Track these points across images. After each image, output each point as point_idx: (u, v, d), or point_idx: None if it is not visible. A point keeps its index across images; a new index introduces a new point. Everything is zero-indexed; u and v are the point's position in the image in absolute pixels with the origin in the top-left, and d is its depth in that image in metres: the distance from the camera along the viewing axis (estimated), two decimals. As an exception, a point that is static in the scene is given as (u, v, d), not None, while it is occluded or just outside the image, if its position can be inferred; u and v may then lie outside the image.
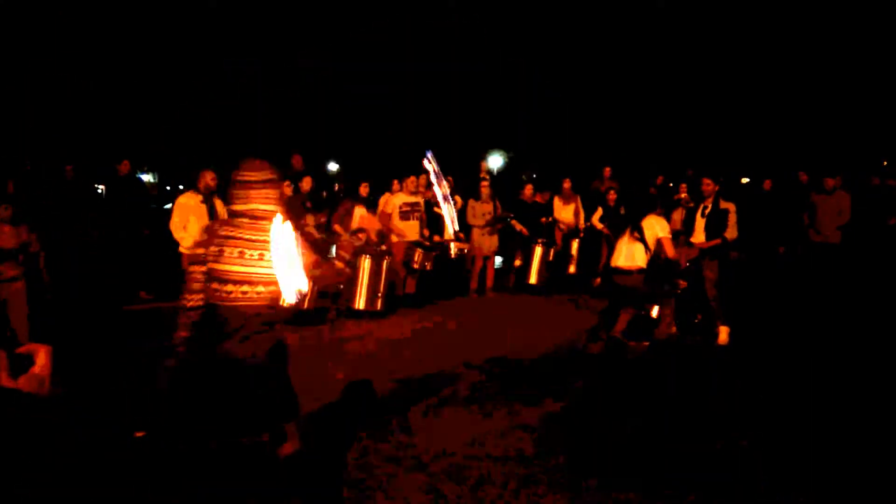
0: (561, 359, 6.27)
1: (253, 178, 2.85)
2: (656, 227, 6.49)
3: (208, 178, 6.96)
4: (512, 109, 23.51)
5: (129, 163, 8.98)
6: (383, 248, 8.03)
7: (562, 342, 6.79)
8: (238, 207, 2.87)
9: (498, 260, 9.84)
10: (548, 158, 20.12)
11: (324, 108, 24.30)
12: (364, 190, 8.37)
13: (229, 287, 2.77)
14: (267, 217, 2.72)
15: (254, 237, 2.80)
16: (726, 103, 19.76)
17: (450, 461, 3.90)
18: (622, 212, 10.00)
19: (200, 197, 6.93)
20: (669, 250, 6.47)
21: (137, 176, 12.10)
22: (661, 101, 20.74)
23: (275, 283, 2.46)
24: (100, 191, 9.98)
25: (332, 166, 27.39)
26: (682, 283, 6.70)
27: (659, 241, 6.48)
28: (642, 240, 6.42)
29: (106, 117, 19.96)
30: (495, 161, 24.15)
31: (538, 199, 10.02)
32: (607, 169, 11.41)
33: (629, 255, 6.45)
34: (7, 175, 8.56)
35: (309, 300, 7.23)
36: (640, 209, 6.78)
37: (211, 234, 2.85)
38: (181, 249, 6.91)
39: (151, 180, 32.38)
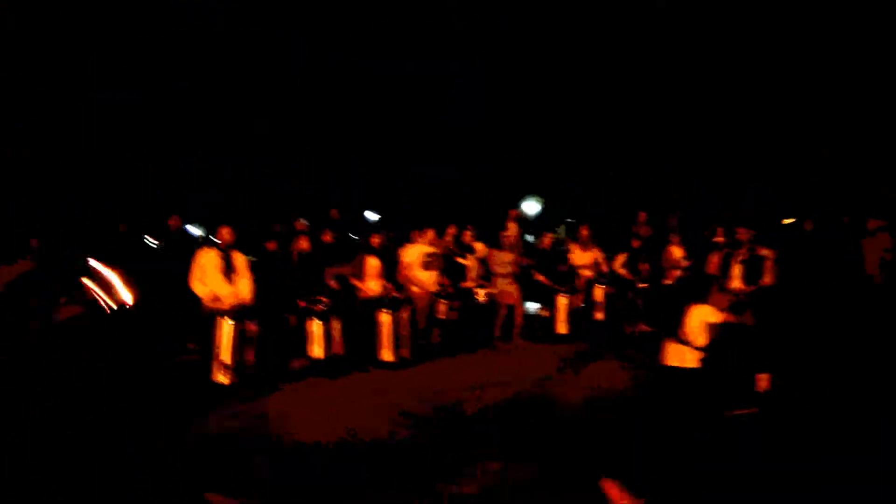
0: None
1: None
2: (705, 316, 5.99)
3: (225, 234, 7.16)
4: (547, 155, 23.49)
5: (179, 218, 9.18)
6: (400, 296, 8.07)
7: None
8: None
9: (534, 306, 9.72)
10: (583, 204, 19.91)
11: (361, 99, 24.55)
12: (375, 241, 8.36)
13: None
14: None
15: None
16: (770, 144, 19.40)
17: None
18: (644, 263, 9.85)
19: (217, 252, 7.11)
20: (731, 318, 6.13)
21: (186, 230, 12.42)
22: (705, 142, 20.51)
23: None
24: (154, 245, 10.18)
25: (372, 216, 27.84)
26: None
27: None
28: (688, 342, 6.07)
29: (152, 173, 20.65)
30: (531, 207, 24.14)
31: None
32: (642, 213, 11.21)
33: (679, 356, 6.12)
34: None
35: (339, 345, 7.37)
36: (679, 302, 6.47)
37: None
38: (203, 302, 7.02)
39: (201, 233, 33.40)
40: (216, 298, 6.90)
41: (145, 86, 19.78)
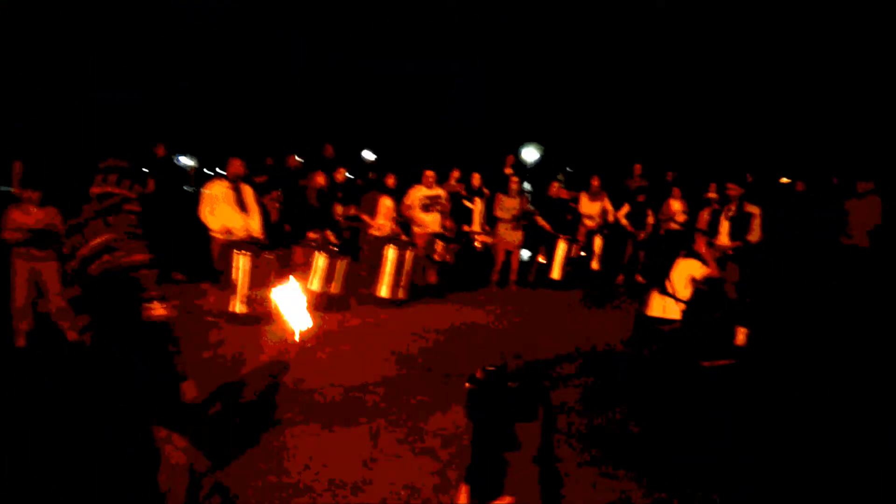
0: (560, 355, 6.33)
1: None
2: (691, 270, 6.24)
3: (236, 166, 7.19)
4: (547, 101, 23.34)
5: (165, 147, 9.22)
6: (406, 238, 8.25)
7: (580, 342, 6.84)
8: None
9: (525, 254, 9.94)
10: (582, 153, 19.95)
11: (361, 99, 24.43)
12: (391, 181, 8.53)
13: None
14: None
15: None
16: (764, 99, 19.35)
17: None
18: (649, 213, 10.02)
19: (228, 184, 7.16)
20: (715, 273, 6.34)
21: (174, 159, 12.45)
22: (700, 97, 20.39)
23: None
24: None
25: (368, 155, 27.69)
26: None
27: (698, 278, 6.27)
28: (674, 295, 6.19)
29: (146, 103, 20.46)
30: (531, 154, 24.10)
31: (563, 195, 10.04)
32: (637, 166, 11.38)
33: (662, 307, 6.27)
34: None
35: (339, 286, 7.54)
36: (669, 255, 6.64)
37: None
38: (211, 233, 7.15)
39: (192, 164, 33.18)
40: (228, 231, 6.95)
41: (145, 85, 19.51)
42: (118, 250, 2.81)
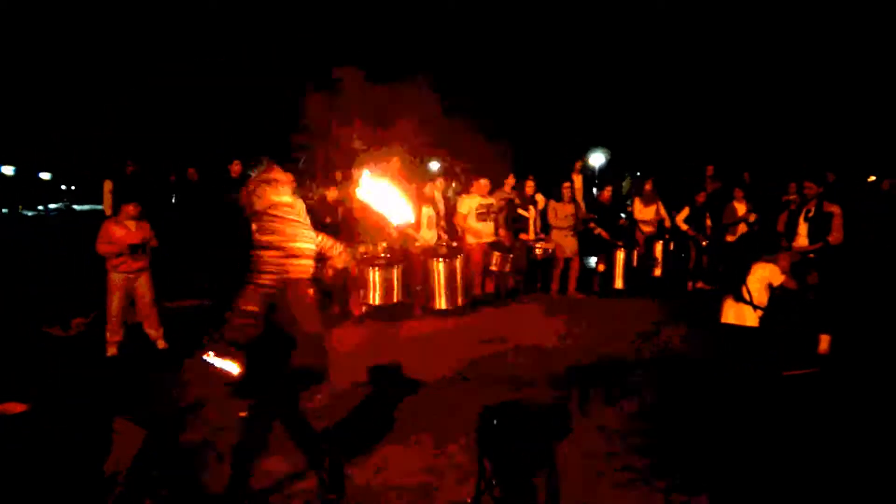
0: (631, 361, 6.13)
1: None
2: (767, 277, 5.86)
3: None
4: (615, 105, 22.88)
5: (241, 163, 9.46)
6: (454, 245, 8.20)
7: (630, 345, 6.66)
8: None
9: (591, 261, 9.68)
10: (650, 157, 19.41)
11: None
12: (429, 190, 8.44)
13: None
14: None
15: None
16: (847, 96, 18.33)
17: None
18: (707, 216, 9.58)
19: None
20: (790, 284, 5.98)
21: (248, 176, 12.79)
22: (778, 93, 19.52)
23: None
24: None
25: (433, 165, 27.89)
26: None
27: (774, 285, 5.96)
28: (751, 302, 5.86)
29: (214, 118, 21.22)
30: (597, 159, 23.67)
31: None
32: (709, 167, 10.91)
33: (738, 314, 5.90)
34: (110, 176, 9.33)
35: (397, 294, 7.54)
36: (744, 260, 6.30)
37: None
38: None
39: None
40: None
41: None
42: None
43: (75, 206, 38.98)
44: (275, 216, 3.33)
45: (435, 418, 4.63)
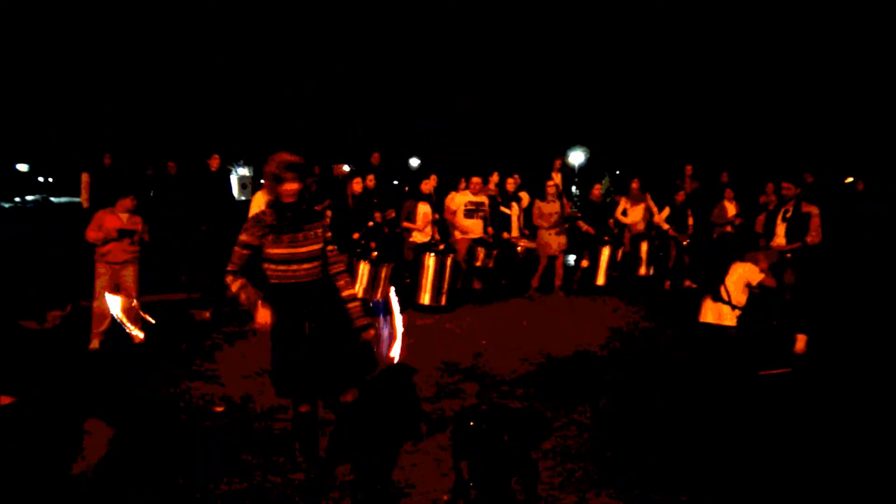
0: (608, 360, 6.18)
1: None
2: (747, 276, 5.89)
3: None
4: (594, 103, 22.99)
5: (220, 157, 9.40)
6: (441, 246, 8.18)
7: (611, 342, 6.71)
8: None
9: (570, 259, 9.70)
10: (630, 155, 19.55)
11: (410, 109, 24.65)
12: (425, 187, 8.45)
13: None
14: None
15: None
16: (824, 97, 18.57)
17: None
18: (689, 214, 9.67)
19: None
20: (769, 282, 6.03)
21: (228, 170, 12.73)
22: (757, 94, 19.71)
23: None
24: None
25: (414, 162, 27.85)
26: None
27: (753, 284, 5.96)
28: (729, 302, 5.86)
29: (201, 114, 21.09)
30: (577, 157, 23.78)
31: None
32: (688, 167, 11.03)
33: (717, 314, 5.94)
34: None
35: (383, 292, 7.52)
36: (724, 260, 6.34)
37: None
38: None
39: (248, 174, 34.04)
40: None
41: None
42: None
43: (53, 199, 38.34)
44: None
45: (412, 415, 4.64)
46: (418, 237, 8.07)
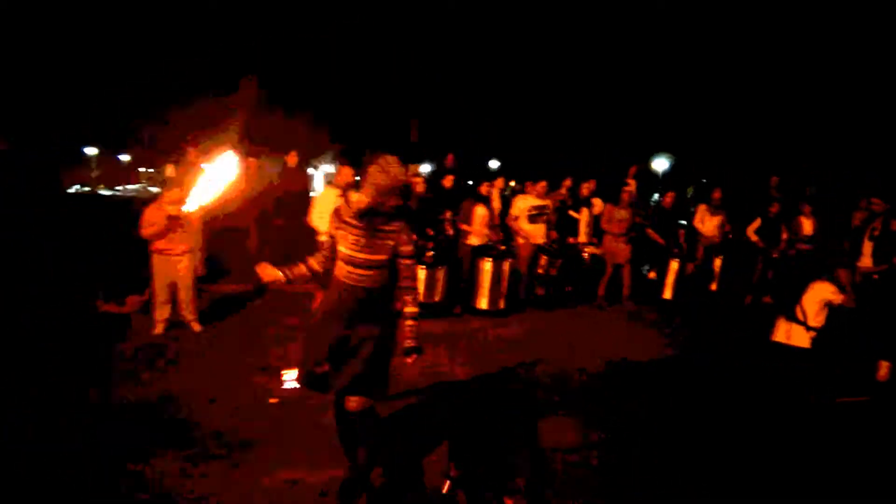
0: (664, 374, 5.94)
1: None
2: (825, 295, 5.53)
3: (346, 174, 7.37)
4: (680, 110, 22.22)
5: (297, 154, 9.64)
6: (503, 248, 8.10)
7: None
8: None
9: (644, 269, 9.43)
10: (717, 164, 18.77)
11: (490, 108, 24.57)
12: (484, 189, 8.38)
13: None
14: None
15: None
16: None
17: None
18: (783, 228, 9.16)
19: (338, 191, 7.32)
20: (849, 304, 5.64)
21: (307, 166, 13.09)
22: (851, 104, 18.54)
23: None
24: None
25: (494, 164, 27.80)
26: None
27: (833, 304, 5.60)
28: (805, 322, 5.54)
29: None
30: (661, 164, 23.06)
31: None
32: (774, 178, 10.48)
33: (788, 334, 5.65)
34: None
35: (440, 295, 7.54)
36: (801, 278, 5.96)
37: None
38: (319, 238, 7.37)
39: (333, 171, 34.97)
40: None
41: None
42: None
43: (152, 189, 40.69)
44: None
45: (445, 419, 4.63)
46: (474, 240, 8.02)
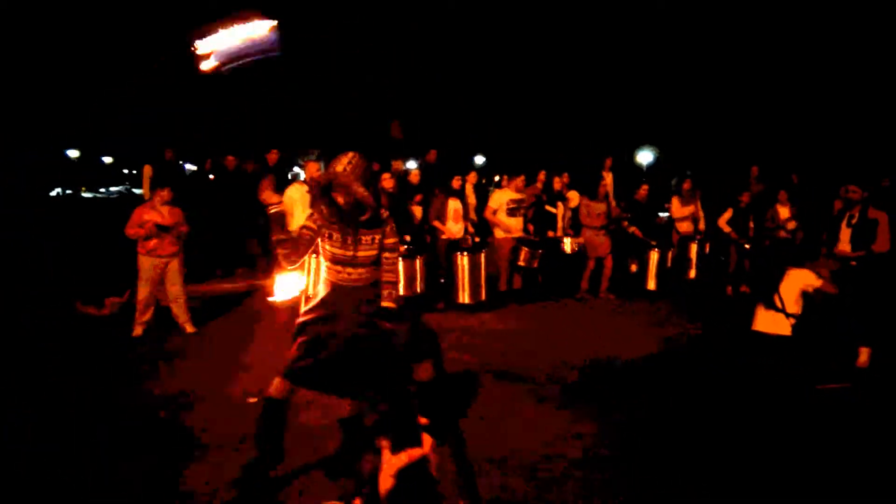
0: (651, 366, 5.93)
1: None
2: (803, 282, 5.47)
3: (313, 170, 7.30)
4: (663, 103, 22.31)
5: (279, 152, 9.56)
6: (477, 239, 8.13)
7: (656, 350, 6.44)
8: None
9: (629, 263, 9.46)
10: (700, 155, 18.85)
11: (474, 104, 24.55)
12: (456, 183, 8.32)
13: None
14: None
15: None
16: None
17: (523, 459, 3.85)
18: (750, 218, 9.24)
19: (306, 188, 7.27)
20: (830, 289, 5.64)
21: (287, 165, 13.02)
22: (839, 92, 18.68)
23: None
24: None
25: (479, 159, 27.83)
26: None
27: (816, 290, 5.64)
28: (783, 310, 5.51)
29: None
30: (645, 157, 23.15)
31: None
32: (754, 168, 10.54)
33: (770, 322, 5.56)
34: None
35: (422, 285, 7.51)
36: (778, 266, 5.96)
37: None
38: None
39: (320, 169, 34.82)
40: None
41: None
42: None
43: (135, 190, 40.38)
44: None
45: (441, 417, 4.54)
46: (450, 229, 7.97)
